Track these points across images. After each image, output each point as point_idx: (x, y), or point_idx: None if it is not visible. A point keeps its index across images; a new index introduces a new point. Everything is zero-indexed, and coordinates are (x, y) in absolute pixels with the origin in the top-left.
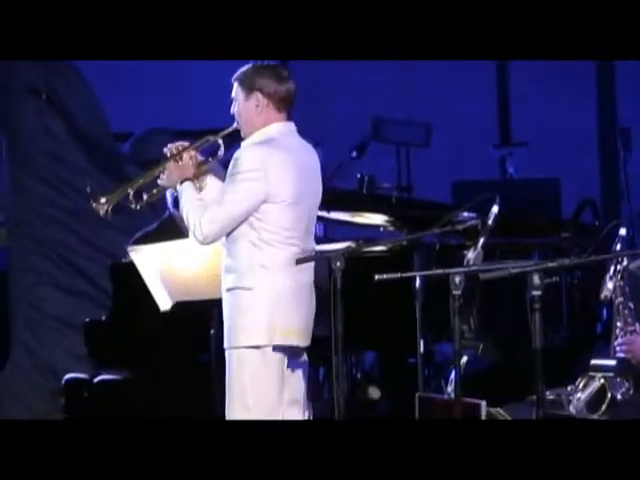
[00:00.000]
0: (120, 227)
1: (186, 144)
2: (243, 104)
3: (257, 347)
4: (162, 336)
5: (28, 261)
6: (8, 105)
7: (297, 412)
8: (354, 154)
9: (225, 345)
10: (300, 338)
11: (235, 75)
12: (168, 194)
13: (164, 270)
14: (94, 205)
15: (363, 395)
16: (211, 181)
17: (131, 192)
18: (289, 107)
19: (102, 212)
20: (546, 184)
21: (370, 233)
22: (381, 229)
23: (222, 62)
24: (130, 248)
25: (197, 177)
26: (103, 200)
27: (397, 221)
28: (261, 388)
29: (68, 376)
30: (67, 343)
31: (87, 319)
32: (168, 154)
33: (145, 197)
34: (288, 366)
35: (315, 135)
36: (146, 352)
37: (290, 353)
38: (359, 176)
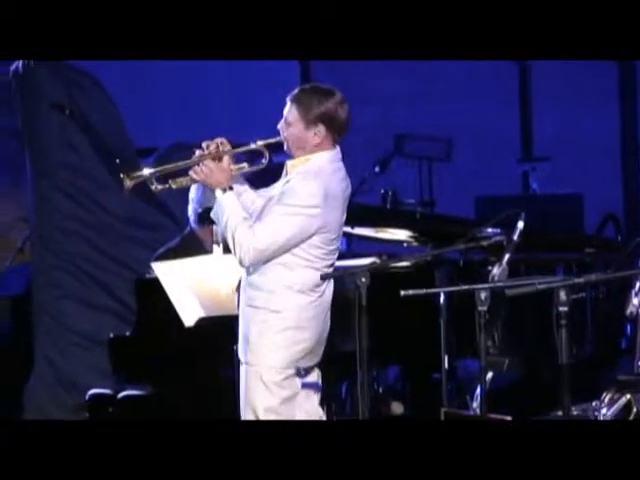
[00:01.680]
0: (143, 242)
1: (226, 142)
2: (300, 132)
3: (276, 367)
4: (186, 351)
5: (51, 276)
6: (32, 120)
7: None
8: (377, 169)
9: (242, 359)
10: (312, 359)
11: (294, 96)
12: (191, 209)
13: (188, 286)
14: (122, 176)
15: (386, 410)
16: (246, 191)
17: (158, 174)
18: (345, 134)
19: (126, 185)
20: (569, 199)
21: (392, 248)
22: (405, 244)
23: (245, 77)
24: (154, 264)
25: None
26: (133, 175)
27: (421, 237)
28: (274, 402)
29: (92, 391)
30: (91, 358)
31: (111, 334)
32: (206, 150)
33: (170, 182)
34: (303, 385)
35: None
36: (170, 367)
37: (305, 372)
38: (383, 192)
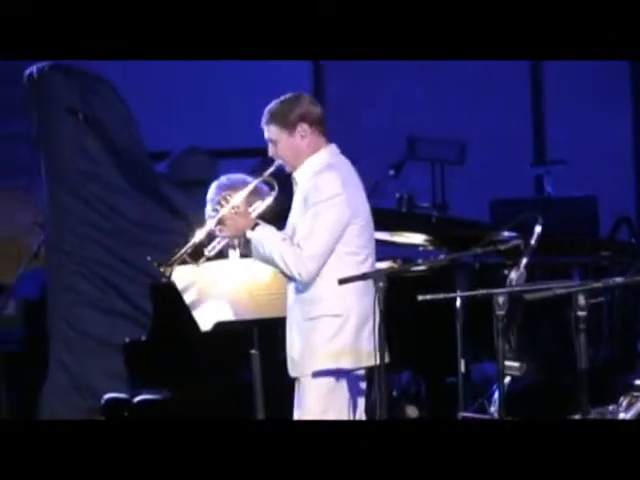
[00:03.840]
0: (158, 246)
1: (233, 194)
2: (288, 142)
3: (342, 371)
4: (202, 356)
5: (66, 280)
6: (47, 125)
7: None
8: (391, 172)
9: (301, 372)
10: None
11: (266, 119)
12: (209, 209)
13: (205, 290)
14: (162, 271)
15: (401, 414)
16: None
17: (189, 251)
18: (326, 128)
19: (168, 273)
20: (584, 202)
21: (407, 252)
22: (420, 248)
23: (255, 80)
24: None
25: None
26: (169, 263)
27: (436, 240)
28: (338, 414)
29: (108, 396)
30: (106, 363)
31: (127, 339)
32: (219, 207)
33: (206, 252)
34: (360, 387)
35: (346, 151)
36: (186, 372)
37: (363, 374)
38: (398, 196)
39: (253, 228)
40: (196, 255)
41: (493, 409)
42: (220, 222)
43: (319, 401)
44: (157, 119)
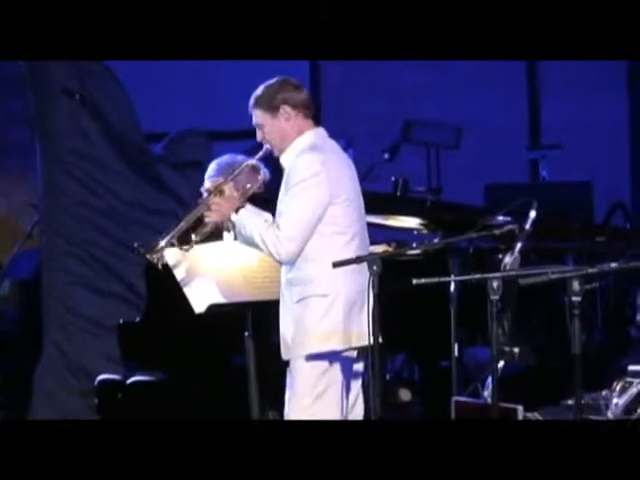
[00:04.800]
0: (152, 228)
1: (221, 179)
2: (272, 124)
3: (334, 352)
4: (196, 338)
5: (60, 261)
6: (42, 105)
7: (360, 412)
8: (386, 156)
9: (293, 355)
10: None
11: (252, 103)
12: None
13: (198, 272)
14: (148, 257)
15: (394, 397)
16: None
17: (177, 238)
18: (312, 113)
19: (156, 260)
20: (578, 187)
21: (401, 235)
22: (414, 232)
23: (253, 63)
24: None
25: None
26: (156, 255)
27: (431, 224)
28: (331, 395)
29: (101, 377)
30: (99, 344)
31: (121, 320)
32: (206, 193)
33: (194, 237)
34: (353, 369)
35: (344, 136)
36: (180, 354)
37: (356, 355)
38: (393, 179)
39: (237, 211)
40: (184, 240)
41: (486, 393)
42: (207, 207)
43: (311, 383)
44: (155, 100)
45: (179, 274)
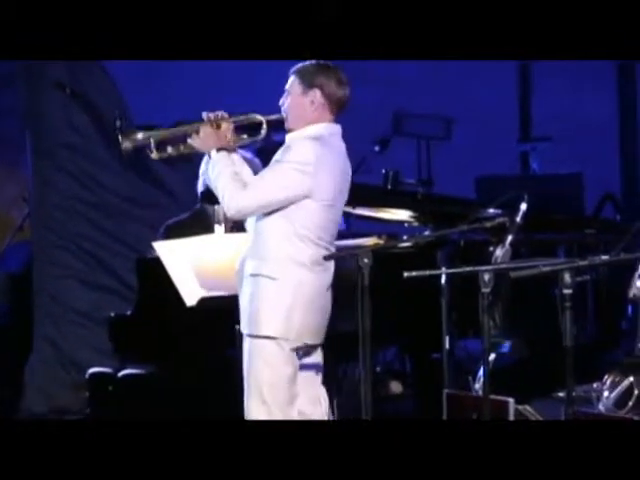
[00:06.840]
0: (144, 221)
1: (226, 115)
2: (298, 98)
3: (273, 338)
4: (187, 331)
5: (51, 255)
6: (33, 99)
7: (317, 409)
8: (377, 148)
9: (244, 330)
10: (313, 337)
11: (294, 68)
12: (200, 183)
13: (189, 265)
14: (120, 137)
15: (385, 390)
16: (239, 160)
17: (154, 140)
18: (341, 111)
19: (124, 146)
20: (569, 179)
21: (392, 228)
22: (405, 225)
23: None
24: (155, 243)
25: (230, 151)
26: (128, 141)
27: (422, 217)
28: (275, 378)
29: (92, 370)
30: (91, 337)
31: (112, 314)
32: (205, 118)
33: (169, 150)
34: (302, 362)
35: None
36: (171, 347)
37: (304, 350)
38: (384, 172)
39: (219, 150)
40: (159, 146)
41: (478, 386)
42: (196, 132)
43: (255, 363)
44: (146, 94)
45: (170, 267)
